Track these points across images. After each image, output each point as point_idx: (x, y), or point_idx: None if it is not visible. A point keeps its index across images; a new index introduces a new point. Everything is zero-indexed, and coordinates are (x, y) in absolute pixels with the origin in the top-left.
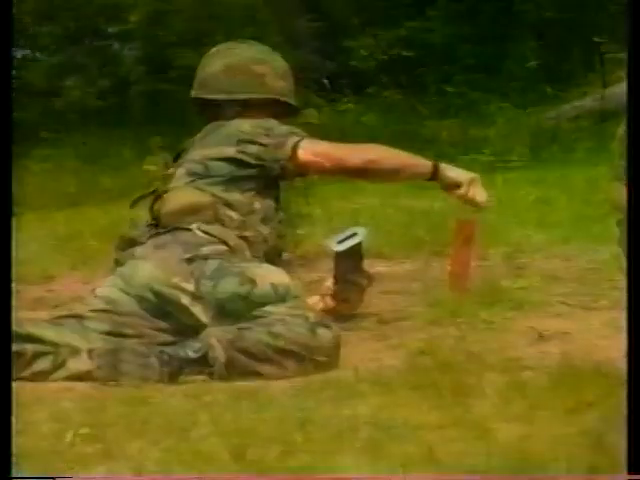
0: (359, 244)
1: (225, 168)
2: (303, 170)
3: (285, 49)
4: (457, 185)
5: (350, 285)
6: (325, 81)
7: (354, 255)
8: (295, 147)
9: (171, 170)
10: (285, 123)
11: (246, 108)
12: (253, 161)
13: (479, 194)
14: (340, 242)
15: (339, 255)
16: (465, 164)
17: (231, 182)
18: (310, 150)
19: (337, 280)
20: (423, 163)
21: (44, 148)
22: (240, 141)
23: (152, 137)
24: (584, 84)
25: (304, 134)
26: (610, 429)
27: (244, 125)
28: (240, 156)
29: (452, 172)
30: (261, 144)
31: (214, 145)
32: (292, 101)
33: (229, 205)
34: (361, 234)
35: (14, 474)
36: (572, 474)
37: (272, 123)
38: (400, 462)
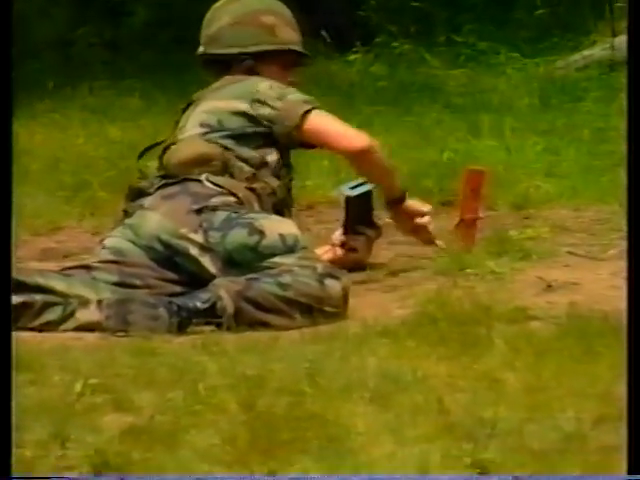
0: (370, 192)
1: (237, 122)
2: (306, 140)
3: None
4: (421, 213)
5: (359, 235)
6: (324, 33)
7: (365, 203)
8: (304, 116)
9: (181, 121)
10: (296, 73)
11: (258, 60)
12: (264, 122)
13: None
14: (352, 188)
15: (350, 201)
16: (474, 114)
17: (242, 137)
18: (316, 122)
19: (346, 230)
20: (398, 182)
21: (52, 99)
22: (254, 100)
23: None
24: (593, 33)
25: (317, 104)
26: (618, 379)
27: (261, 85)
28: (252, 113)
29: (415, 202)
30: (273, 107)
31: (228, 98)
32: (303, 50)
33: (240, 158)
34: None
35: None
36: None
37: (289, 90)
38: (408, 412)
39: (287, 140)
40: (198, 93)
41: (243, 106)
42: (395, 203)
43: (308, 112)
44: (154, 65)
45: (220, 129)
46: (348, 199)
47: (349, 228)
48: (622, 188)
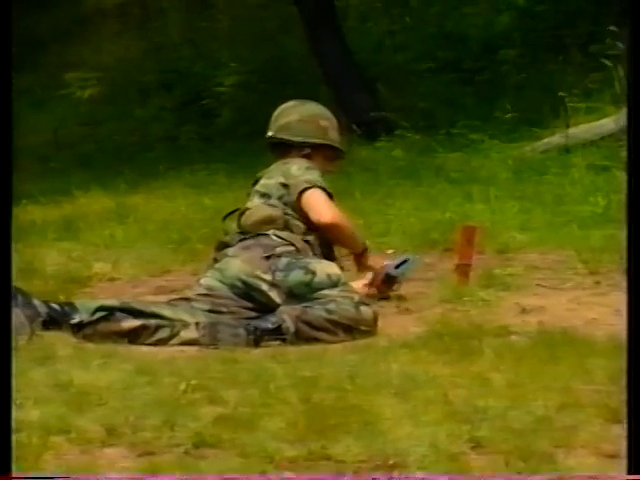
0: (406, 267)
1: (280, 191)
2: (302, 214)
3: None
4: (377, 265)
5: (386, 277)
6: (354, 127)
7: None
8: (300, 195)
9: (250, 194)
10: (335, 165)
11: (313, 149)
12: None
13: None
14: (396, 267)
15: (389, 276)
16: (467, 185)
17: (288, 204)
18: (305, 199)
19: (377, 274)
20: (359, 243)
21: (163, 179)
22: (286, 177)
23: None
24: (552, 126)
25: (319, 185)
26: (576, 378)
27: (293, 167)
28: (287, 184)
29: (375, 258)
30: (289, 184)
31: (275, 176)
32: (342, 147)
33: (295, 218)
34: (413, 261)
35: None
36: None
37: (308, 171)
38: (422, 403)
39: (296, 208)
40: (261, 172)
41: (283, 180)
42: (358, 256)
43: (304, 191)
44: (235, 153)
45: (270, 197)
46: (388, 276)
47: (379, 274)
48: (575, 237)
